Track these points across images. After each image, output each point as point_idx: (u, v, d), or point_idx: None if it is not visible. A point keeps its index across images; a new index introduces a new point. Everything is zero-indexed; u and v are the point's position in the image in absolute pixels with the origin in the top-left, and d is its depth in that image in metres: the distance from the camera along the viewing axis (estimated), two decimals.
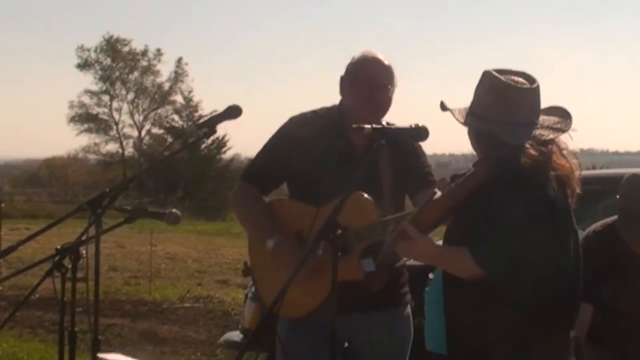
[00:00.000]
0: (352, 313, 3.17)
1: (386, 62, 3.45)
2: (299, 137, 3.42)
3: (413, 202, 3.46)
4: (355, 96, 3.41)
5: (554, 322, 2.73)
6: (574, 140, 2.85)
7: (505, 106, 2.74)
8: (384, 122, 3.37)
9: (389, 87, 3.42)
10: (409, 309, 3.49)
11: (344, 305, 3.00)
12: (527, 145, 2.71)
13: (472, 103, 2.83)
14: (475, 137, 2.82)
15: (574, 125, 2.83)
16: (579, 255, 2.82)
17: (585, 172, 2.90)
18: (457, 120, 2.82)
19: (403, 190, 3.44)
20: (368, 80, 3.39)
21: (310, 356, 3.30)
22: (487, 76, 2.80)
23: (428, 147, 3.50)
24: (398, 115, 3.39)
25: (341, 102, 3.51)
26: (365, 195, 3.20)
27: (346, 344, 3.37)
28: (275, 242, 3.32)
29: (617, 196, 3.47)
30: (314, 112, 3.53)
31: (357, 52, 3.51)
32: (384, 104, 3.42)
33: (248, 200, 3.50)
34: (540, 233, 2.63)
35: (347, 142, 3.40)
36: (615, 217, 3.57)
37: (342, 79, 3.48)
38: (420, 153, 3.51)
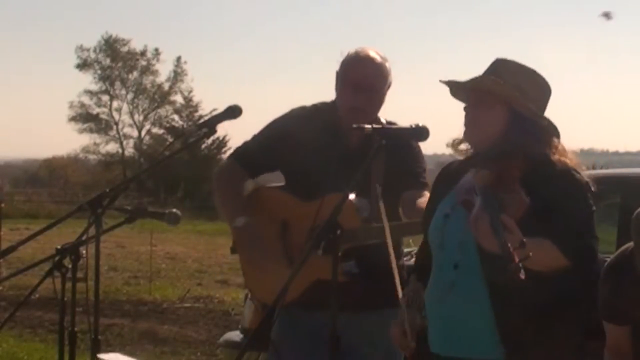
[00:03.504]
0: (341, 312, 3.15)
1: (378, 60, 3.36)
2: (294, 131, 3.39)
3: (399, 202, 3.37)
4: (341, 97, 3.38)
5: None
6: (575, 140, 2.88)
7: (546, 100, 2.78)
8: (383, 120, 3.36)
9: (376, 88, 3.34)
10: None
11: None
12: (555, 140, 2.73)
13: (517, 91, 2.72)
14: (518, 124, 2.71)
15: (573, 124, 2.87)
16: None
17: (585, 172, 2.88)
18: (507, 94, 2.68)
19: (395, 190, 3.31)
20: (353, 80, 3.34)
21: (303, 356, 3.31)
22: (529, 70, 2.78)
23: (428, 147, 3.48)
24: (398, 115, 3.38)
25: (336, 98, 3.47)
26: (350, 197, 3.15)
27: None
28: (244, 222, 3.33)
29: (632, 233, 3.41)
30: (314, 107, 3.50)
31: (352, 48, 3.45)
32: (369, 106, 3.35)
33: (230, 179, 3.49)
34: (594, 222, 2.67)
35: (343, 141, 3.38)
36: None
37: (337, 75, 3.44)
38: (416, 153, 3.43)
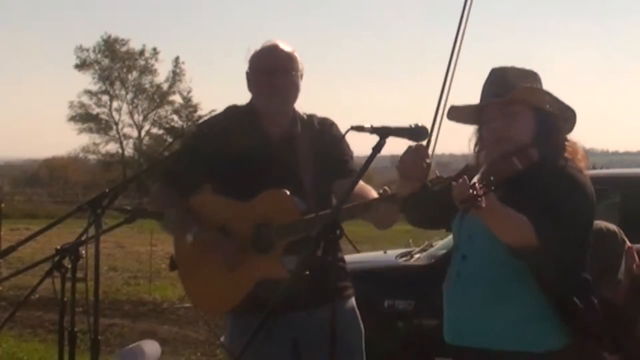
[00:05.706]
0: (288, 312, 3.12)
1: (286, 49, 3.41)
2: (213, 136, 3.36)
3: (331, 191, 3.38)
4: (257, 86, 3.38)
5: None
6: (575, 140, 2.90)
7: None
8: (302, 114, 3.43)
9: (291, 72, 3.37)
10: (352, 302, 3.43)
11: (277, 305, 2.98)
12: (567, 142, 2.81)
13: (537, 96, 2.78)
14: (546, 124, 2.76)
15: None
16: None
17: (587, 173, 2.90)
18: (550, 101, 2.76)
19: (326, 180, 3.36)
20: (266, 67, 3.36)
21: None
22: (531, 72, 2.85)
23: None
24: (399, 115, 3.38)
25: (251, 98, 3.47)
26: (287, 192, 3.20)
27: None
28: (194, 234, 3.30)
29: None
30: (226, 110, 3.50)
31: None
32: (287, 89, 3.37)
33: (164, 200, 3.42)
34: (587, 223, 2.69)
35: (264, 136, 3.38)
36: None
37: (247, 74, 3.45)
38: (341, 141, 3.42)
